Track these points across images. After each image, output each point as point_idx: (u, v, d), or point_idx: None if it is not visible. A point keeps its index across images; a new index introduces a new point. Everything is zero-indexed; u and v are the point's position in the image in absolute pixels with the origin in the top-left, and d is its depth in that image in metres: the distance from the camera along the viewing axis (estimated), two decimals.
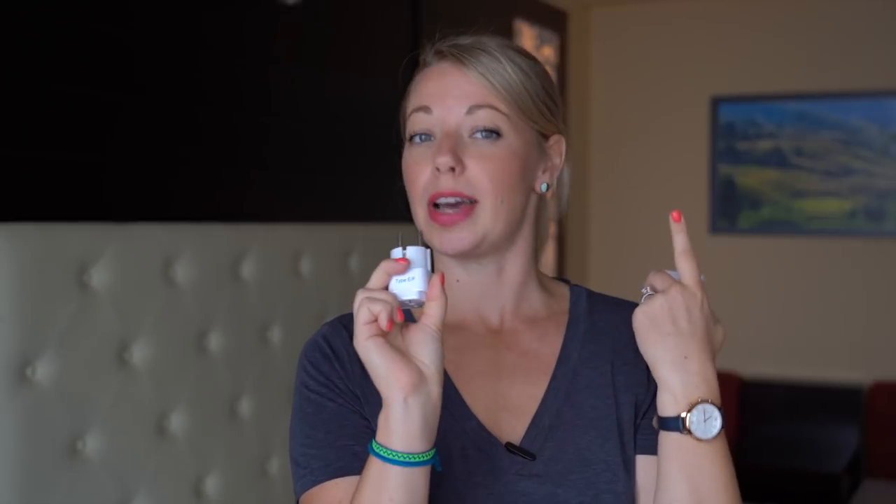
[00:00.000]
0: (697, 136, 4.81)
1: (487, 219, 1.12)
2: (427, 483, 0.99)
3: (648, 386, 1.16)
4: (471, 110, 1.12)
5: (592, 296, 1.25)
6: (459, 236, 1.12)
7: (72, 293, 1.93)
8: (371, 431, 1.11)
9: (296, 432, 1.16)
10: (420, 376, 0.97)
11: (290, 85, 2.77)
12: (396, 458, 0.96)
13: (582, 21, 4.91)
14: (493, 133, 1.12)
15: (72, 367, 1.92)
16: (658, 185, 4.86)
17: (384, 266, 0.99)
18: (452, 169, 1.10)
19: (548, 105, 1.17)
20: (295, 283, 2.55)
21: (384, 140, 3.42)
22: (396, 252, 1.00)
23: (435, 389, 0.98)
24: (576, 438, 1.12)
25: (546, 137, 1.18)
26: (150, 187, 2.30)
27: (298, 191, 2.81)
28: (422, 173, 1.13)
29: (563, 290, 1.25)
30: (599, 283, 4.87)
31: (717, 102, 4.77)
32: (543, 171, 1.19)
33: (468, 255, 1.15)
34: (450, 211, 1.11)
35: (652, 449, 1.13)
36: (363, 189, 3.09)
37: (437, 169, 1.11)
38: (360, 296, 0.97)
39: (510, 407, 1.14)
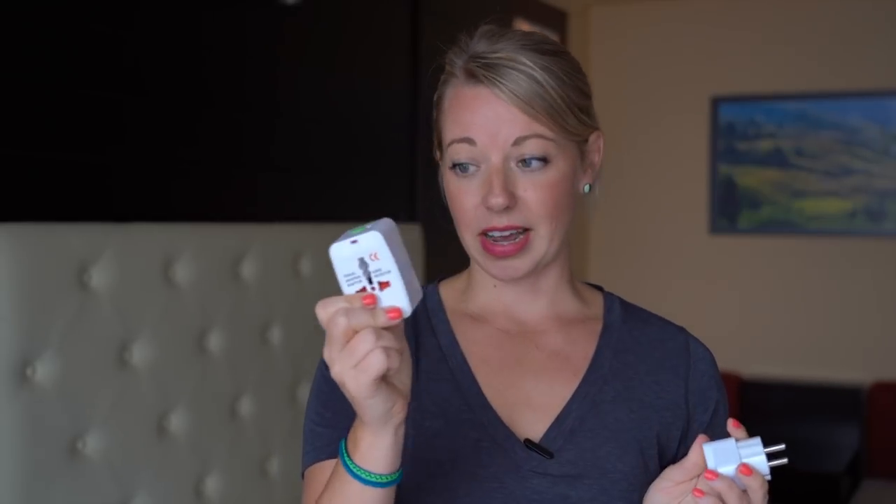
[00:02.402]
0: (697, 136, 4.81)
1: (544, 245, 1.11)
2: (393, 494, 0.98)
3: (681, 419, 1.16)
4: (517, 141, 1.08)
5: (626, 305, 1.24)
6: (515, 265, 1.11)
7: (72, 293, 1.92)
8: None
9: (310, 406, 1.17)
10: (407, 404, 0.94)
11: (291, 86, 2.77)
12: (378, 480, 0.95)
13: (582, 21, 4.90)
14: (542, 161, 1.09)
15: (72, 367, 1.92)
16: (658, 185, 4.86)
17: (381, 317, 0.89)
18: (506, 207, 1.08)
19: (585, 107, 1.14)
20: (295, 283, 2.55)
21: (385, 140, 3.44)
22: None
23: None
24: (595, 447, 1.11)
25: (585, 140, 1.16)
26: (150, 187, 2.30)
27: (299, 191, 2.81)
28: (468, 204, 1.10)
29: (597, 297, 1.24)
30: (599, 283, 4.86)
31: (717, 102, 4.77)
32: (584, 173, 1.17)
33: (523, 280, 1.14)
34: (505, 243, 1.09)
35: None
36: (363, 189, 3.09)
37: (489, 207, 1.08)
38: (369, 333, 0.88)
39: (533, 405, 1.13)
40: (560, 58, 1.12)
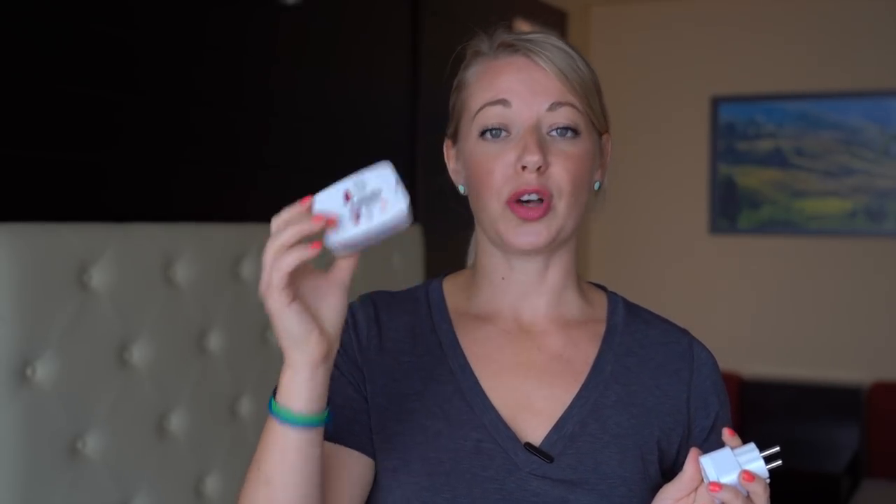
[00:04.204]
0: (697, 136, 4.81)
1: (563, 216, 1.11)
2: (321, 442, 0.98)
3: (681, 424, 1.16)
4: (552, 107, 1.11)
5: (630, 306, 1.24)
6: (538, 230, 1.11)
7: (72, 293, 1.92)
8: (362, 404, 1.12)
9: None
10: (331, 344, 0.95)
11: (291, 85, 2.77)
12: (290, 416, 0.96)
13: (582, 21, 4.91)
14: (573, 131, 1.11)
15: (72, 367, 1.92)
16: (658, 185, 4.86)
17: (300, 221, 0.94)
18: (539, 167, 1.09)
19: (603, 104, 1.17)
20: None
21: (385, 140, 3.44)
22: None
23: (335, 350, 0.96)
24: (595, 452, 1.11)
25: (600, 136, 1.17)
26: (150, 187, 2.30)
27: (298, 191, 2.79)
28: (497, 168, 1.11)
29: (601, 297, 1.24)
30: (599, 283, 4.86)
31: (717, 102, 4.77)
32: (598, 168, 1.18)
33: (539, 252, 1.14)
34: (531, 205, 1.10)
35: None
36: None
37: (524, 167, 1.09)
38: (274, 247, 0.92)
39: (534, 408, 1.13)
40: (581, 55, 1.16)
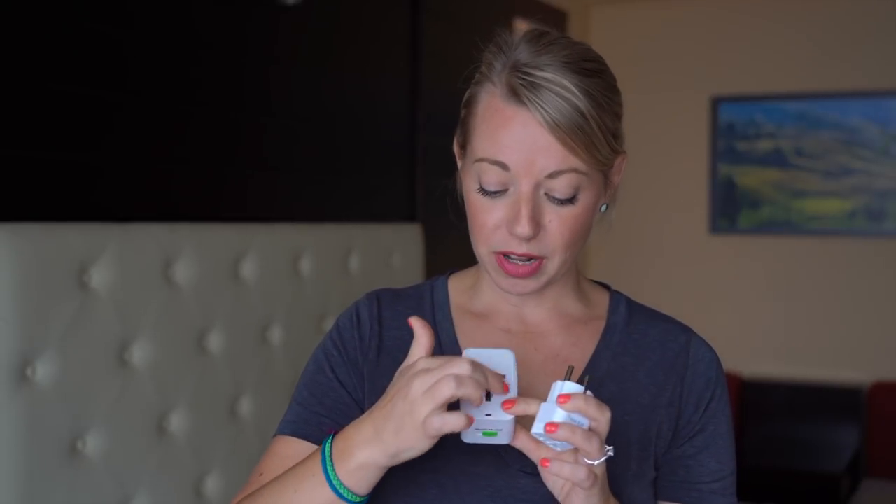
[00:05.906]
0: (697, 136, 4.81)
1: (555, 269, 1.11)
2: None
3: (673, 419, 1.16)
4: (553, 174, 1.06)
5: (632, 305, 1.24)
6: (524, 284, 1.12)
7: (72, 293, 1.92)
8: (350, 407, 1.14)
9: (300, 379, 1.21)
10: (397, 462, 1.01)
11: (290, 85, 2.77)
12: (351, 497, 1.01)
13: (582, 21, 4.91)
14: (572, 199, 1.08)
15: (72, 367, 1.92)
16: (658, 185, 4.86)
17: (487, 373, 0.97)
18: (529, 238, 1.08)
19: (617, 131, 1.12)
20: (295, 283, 2.55)
21: (385, 140, 3.44)
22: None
23: None
24: None
25: (611, 166, 1.13)
26: (150, 187, 2.30)
27: (298, 191, 2.81)
28: (490, 222, 1.10)
29: (602, 296, 1.24)
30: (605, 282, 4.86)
31: (717, 102, 4.77)
32: (604, 194, 1.15)
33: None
34: (520, 263, 1.10)
35: (678, 497, 1.15)
36: (363, 189, 3.09)
37: (513, 234, 1.08)
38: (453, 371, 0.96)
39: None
40: (601, 78, 1.09)
